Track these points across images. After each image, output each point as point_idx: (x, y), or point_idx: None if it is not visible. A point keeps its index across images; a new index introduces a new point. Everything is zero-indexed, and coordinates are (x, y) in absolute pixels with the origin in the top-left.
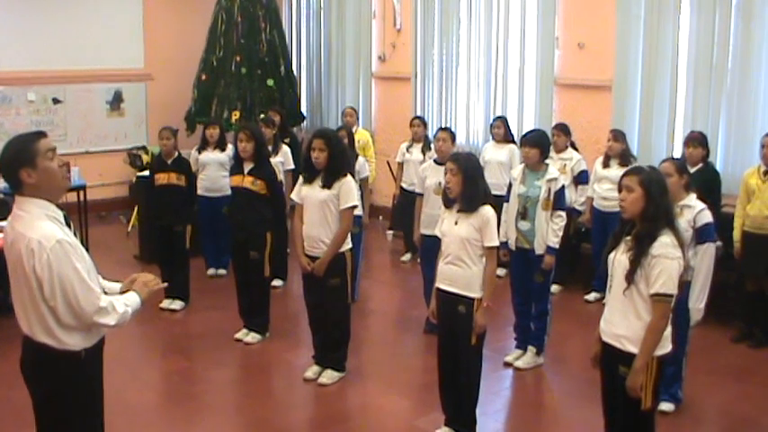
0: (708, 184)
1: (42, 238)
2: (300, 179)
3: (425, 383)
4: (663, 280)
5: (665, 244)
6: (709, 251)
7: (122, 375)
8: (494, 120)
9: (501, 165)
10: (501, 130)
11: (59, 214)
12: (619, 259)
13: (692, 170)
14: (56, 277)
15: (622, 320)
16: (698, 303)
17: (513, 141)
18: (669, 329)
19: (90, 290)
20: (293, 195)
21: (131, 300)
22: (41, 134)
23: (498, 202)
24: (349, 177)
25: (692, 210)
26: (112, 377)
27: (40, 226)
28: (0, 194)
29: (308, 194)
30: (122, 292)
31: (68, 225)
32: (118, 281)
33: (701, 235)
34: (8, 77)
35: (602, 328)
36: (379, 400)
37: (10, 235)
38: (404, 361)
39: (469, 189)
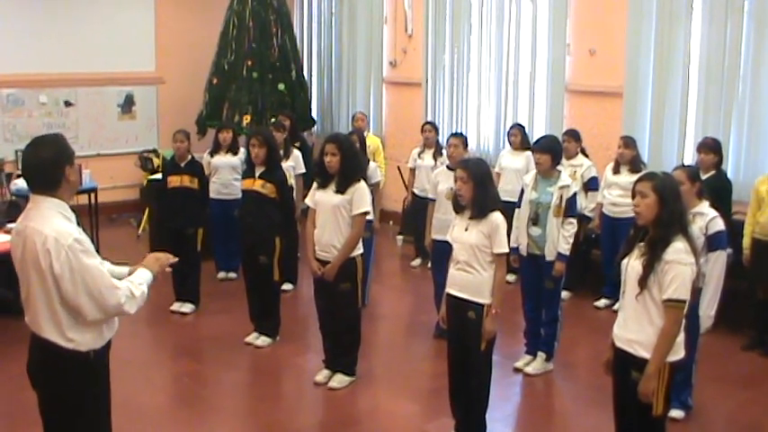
0: (719, 191)
1: (59, 236)
2: (314, 184)
3: (435, 388)
4: (676, 286)
5: (678, 250)
6: (720, 259)
7: (133, 377)
8: (511, 127)
9: (517, 172)
10: (518, 138)
11: (72, 216)
12: (632, 265)
13: (704, 177)
14: (77, 274)
15: (635, 326)
16: (708, 310)
17: (529, 148)
18: (682, 335)
19: (110, 281)
20: (307, 200)
21: (144, 277)
22: (61, 134)
23: (513, 209)
24: (362, 183)
25: (705, 217)
26: (123, 379)
27: (56, 223)
28: (12, 197)
29: (321, 199)
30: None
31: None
32: (125, 263)
33: (713, 242)
34: (20, 80)
35: (616, 333)
36: (389, 404)
37: (22, 232)
38: (413, 366)
39: (480, 195)
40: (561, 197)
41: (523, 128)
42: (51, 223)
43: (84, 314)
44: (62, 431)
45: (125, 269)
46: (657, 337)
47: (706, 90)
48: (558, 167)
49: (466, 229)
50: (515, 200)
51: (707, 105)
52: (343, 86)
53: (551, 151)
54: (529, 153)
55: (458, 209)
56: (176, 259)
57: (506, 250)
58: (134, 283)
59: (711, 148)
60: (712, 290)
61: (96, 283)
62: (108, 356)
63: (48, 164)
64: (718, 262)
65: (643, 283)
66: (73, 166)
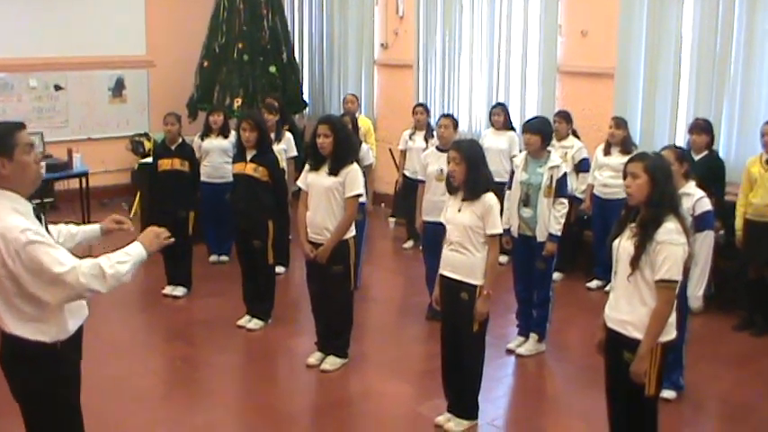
0: (712, 172)
1: (6, 231)
2: (306, 166)
3: (427, 370)
4: (668, 266)
5: (669, 230)
6: (708, 239)
7: (125, 361)
8: (493, 107)
9: (501, 152)
10: (501, 118)
11: (28, 207)
12: (623, 245)
13: (697, 158)
14: (30, 265)
15: (627, 306)
16: (696, 291)
17: (512, 128)
18: (674, 316)
19: (64, 263)
20: (299, 182)
21: (133, 253)
22: (21, 126)
23: (498, 190)
24: (355, 165)
25: (691, 198)
26: (115, 362)
27: (4, 219)
28: None
29: (313, 181)
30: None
31: (39, 219)
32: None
33: (700, 223)
34: (10, 64)
35: (607, 314)
36: (382, 386)
37: None
38: (406, 347)
39: (473, 177)
40: (551, 178)
41: (506, 108)
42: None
43: (49, 300)
44: (35, 421)
45: (96, 227)
46: (650, 317)
47: (698, 71)
48: (549, 148)
49: (459, 210)
50: (500, 179)
51: (699, 86)
52: (334, 69)
53: (541, 132)
54: (512, 133)
55: (451, 190)
56: (172, 239)
57: (500, 231)
58: (111, 260)
59: (703, 128)
60: (700, 270)
61: (51, 268)
62: (79, 346)
63: None
64: (705, 242)
65: (635, 263)
66: (12, 158)
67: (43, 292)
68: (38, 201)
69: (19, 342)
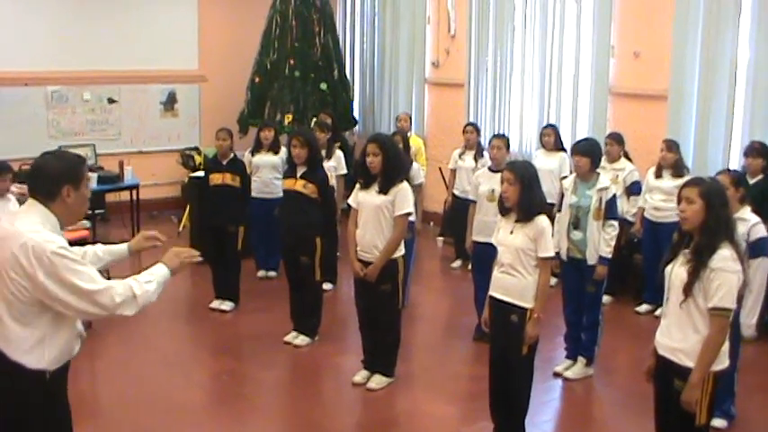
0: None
1: (43, 242)
2: (357, 184)
3: (474, 391)
4: (722, 293)
5: (724, 257)
6: (762, 266)
7: (171, 375)
8: (544, 127)
9: (551, 173)
10: (551, 138)
11: (61, 234)
12: (676, 272)
13: (752, 181)
14: (63, 278)
15: (679, 334)
16: (750, 319)
17: (563, 149)
18: (727, 344)
19: (99, 284)
20: (350, 200)
21: (157, 273)
22: (85, 160)
23: (549, 211)
24: (405, 184)
25: (747, 223)
26: (161, 376)
27: (42, 231)
28: None
29: (363, 200)
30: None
31: None
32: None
33: (755, 249)
34: (65, 77)
35: (658, 340)
36: (427, 406)
37: (1, 231)
38: (452, 368)
39: (526, 198)
40: (600, 200)
41: (557, 128)
42: (37, 230)
43: (75, 313)
44: None
45: (124, 246)
46: (702, 345)
47: (753, 92)
48: (597, 170)
49: (511, 232)
50: (550, 200)
51: (754, 108)
52: (385, 87)
53: (590, 154)
54: (563, 154)
55: (503, 211)
56: (200, 258)
57: (552, 254)
58: (139, 282)
59: (759, 152)
60: (754, 297)
61: (84, 285)
62: (66, 377)
63: (50, 173)
64: (760, 269)
65: (688, 290)
66: (78, 189)
67: (76, 305)
68: (89, 212)
69: (9, 365)
